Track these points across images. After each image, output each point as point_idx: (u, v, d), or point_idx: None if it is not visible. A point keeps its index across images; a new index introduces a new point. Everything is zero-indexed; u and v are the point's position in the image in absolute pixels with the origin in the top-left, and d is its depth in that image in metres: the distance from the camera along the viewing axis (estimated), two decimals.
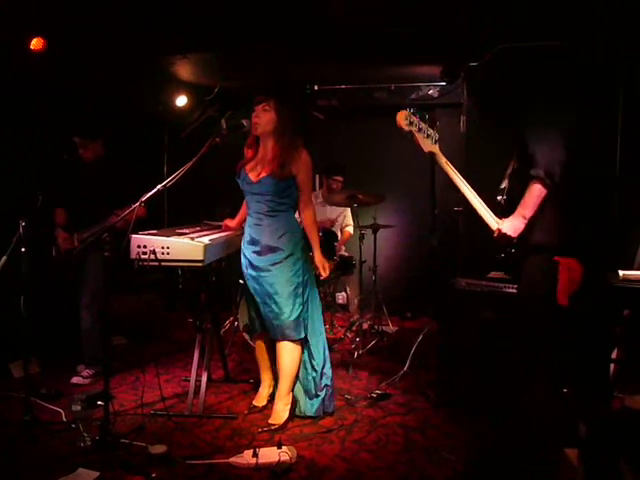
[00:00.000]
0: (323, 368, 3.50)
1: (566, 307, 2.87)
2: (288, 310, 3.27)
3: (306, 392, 3.50)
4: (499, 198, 2.83)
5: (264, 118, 3.25)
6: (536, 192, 2.65)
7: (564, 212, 2.74)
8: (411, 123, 2.80)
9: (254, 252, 3.34)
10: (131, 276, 3.49)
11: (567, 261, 2.74)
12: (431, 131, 2.85)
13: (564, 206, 2.73)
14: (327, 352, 3.54)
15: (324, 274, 3.42)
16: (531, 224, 2.70)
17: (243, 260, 3.42)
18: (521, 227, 2.68)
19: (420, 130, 2.81)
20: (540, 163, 2.61)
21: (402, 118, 2.77)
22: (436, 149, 2.85)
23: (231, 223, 3.74)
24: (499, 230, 2.69)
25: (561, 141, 2.67)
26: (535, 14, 3.82)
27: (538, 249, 2.72)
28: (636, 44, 4.05)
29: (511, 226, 2.68)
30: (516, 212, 2.71)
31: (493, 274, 3.54)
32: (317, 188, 5.75)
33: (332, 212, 5.77)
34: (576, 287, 2.89)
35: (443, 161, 2.83)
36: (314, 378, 3.48)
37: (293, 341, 3.33)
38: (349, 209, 5.78)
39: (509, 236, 2.68)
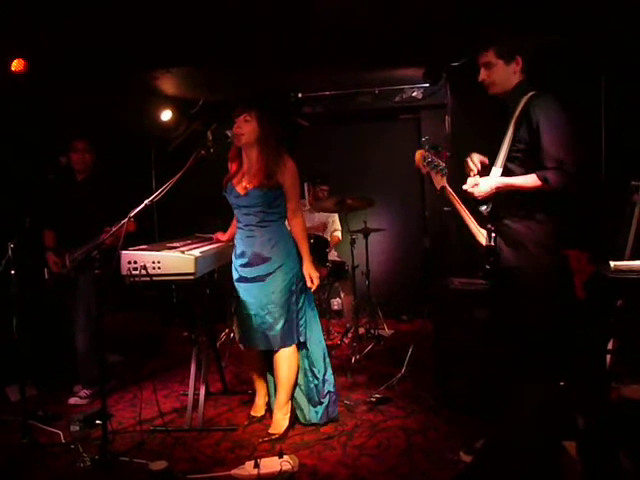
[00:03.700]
0: (325, 375, 3.49)
1: (583, 299, 2.87)
2: (282, 320, 3.27)
3: (309, 400, 3.49)
4: (483, 209, 2.75)
5: (246, 129, 3.24)
6: (531, 184, 2.58)
7: (564, 208, 2.71)
8: (428, 163, 2.78)
9: (245, 264, 3.33)
10: (125, 293, 3.47)
11: (574, 253, 2.73)
12: (441, 164, 2.79)
13: (564, 203, 2.71)
14: (327, 359, 3.53)
15: (311, 286, 3.35)
16: (532, 222, 2.67)
17: (234, 273, 3.41)
18: (488, 191, 2.65)
19: (434, 167, 2.79)
20: (559, 173, 2.53)
21: (420, 160, 2.76)
22: (445, 182, 2.81)
23: (223, 237, 3.73)
24: (475, 185, 2.67)
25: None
26: (516, 12, 3.85)
27: (545, 248, 2.67)
28: (617, 43, 4.09)
29: (483, 187, 2.66)
30: (499, 179, 2.67)
31: None
32: (306, 196, 5.76)
33: (320, 219, 5.79)
34: (586, 277, 2.89)
35: (451, 195, 2.78)
36: (316, 386, 3.47)
37: (288, 349, 3.32)
38: (336, 214, 5.81)
39: (471, 193, 2.68)
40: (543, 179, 2.55)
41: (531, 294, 2.67)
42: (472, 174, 2.78)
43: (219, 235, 3.76)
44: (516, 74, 2.73)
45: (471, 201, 2.77)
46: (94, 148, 4.17)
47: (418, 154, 2.78)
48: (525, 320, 2.69)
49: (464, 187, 2.70)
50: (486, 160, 2.83)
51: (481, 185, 2.68)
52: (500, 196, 2.72)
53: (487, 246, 2.69)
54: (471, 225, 2.75)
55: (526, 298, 2.68)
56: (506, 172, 2.70)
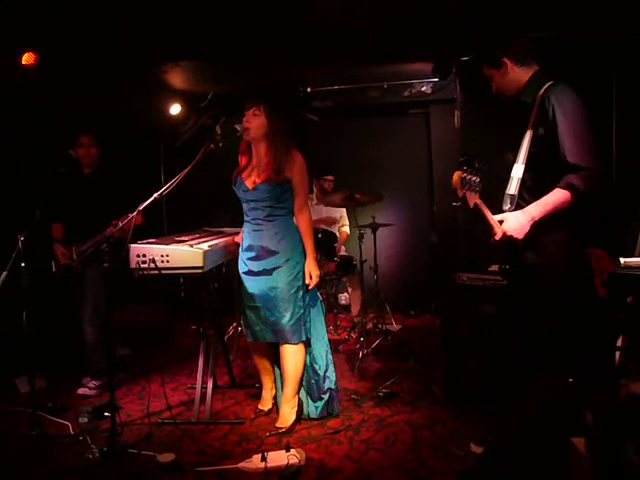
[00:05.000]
0: (326, 372, 3.50)
1: (605, 297, 2.81)
2: (288, 314, 3.27)
3: (309, 395, 3.50)
4: (506, 208, 2.65)
5: (255, 123, 3.24)
6: (563, 200, 2.46)
7: (585, 207, 2.62)
8: (465, 184, 2.65)
9: (252, 258, 3.33)
10: (133, 286, 3.48)
11: (594, 251, 2.67)
12: (476, 179, 2.67)
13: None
14: (330, 356, 3.54)
15: (310, 283, 3.32)
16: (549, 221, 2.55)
17: (241, 266, 3.42)
18: (527, 228, 2.51)
19: (470, 187, 2.66)
20: (584, 175, 2.41)
21: (458, 182, 2.63)
22: (477, 197, 2.67)
23: (240, 239, 3.58)
24: (504, 232, 2.54)
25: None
26: (527, 7, 3.82)
27: (564, 246, 2.57)
28: (629, 39, 4.05)
29: (517, 227, 2.52)
30: (525, 210, 2.54)
31: (494, 267, 3.53)
32: (314, 191, 5.77)
33: (327, 213, 5.79)
34: (607, 276, 2.84)
35: (484, 209, 2.66)
36: (317, 382, 3.48)
37: (295, 344, 3.32)
38: (344, 209, 5.81)
39: (515, 238, 2.53)
40: (567, 186, 2.44)
41: (549, 292, 2.61)
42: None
43: (237, 239, 3.63)
44: (516, 74, 2.68)
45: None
46: (100, 142, 4.18)
47: (456, 176, 2.66)
48: (542, 318, 2.65)
49: (495, 237, 2.59)
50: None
51: (510, 221, 2.55)
52: (522, 194, 2.68)
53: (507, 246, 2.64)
54: (497, 231, 2.70)
55: (544, 296, 2.63)
56: (528, 168, 2.64)
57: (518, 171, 2.65)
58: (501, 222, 2.61)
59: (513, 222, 2.54)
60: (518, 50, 2.69)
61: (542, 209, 2.51)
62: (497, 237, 2.58)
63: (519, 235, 2.53)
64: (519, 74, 2.69)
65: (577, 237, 2.59)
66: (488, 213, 2.65)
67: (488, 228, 2.67)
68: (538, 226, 2.54)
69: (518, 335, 2.76)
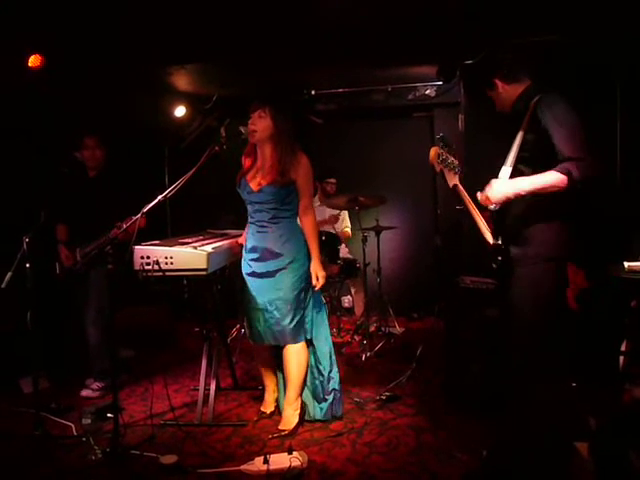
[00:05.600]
0: (330, 372, 3.50)
1: (576, 310, 2.80)
2: (290, 316, 3.27)
3: (314, 397, 3.50)
4: (492, 207, 2.64)
5: (260, 125, 3.24)
6: (556, 181, 2.41)
7: (572, 215, 2.61)
8: (442, 161, 2.72)
9: (256, 259, 3.34)
10: (137, 288, 3.49)
11: (572, 266, 2.67)
12: (455, 161, 2.74)
13: (572, 209, 2.63)
14: (334, 356, 3.54)
15: (317, 285, 3.32)
16: (535, 227, 2.56)
17: (245, 267, 3.42)
18: (506, 199, 2.49)
19: (447, 165, 2.73)
20: (579, 164, 2.38)
21: (435, 157, 2.69)
22: (457, 180, 2.75)
23: (243, 241, 3.59)
24: (485, 196, 2.54)
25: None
26: (531, 10, 3.82)
27: (547, 250, 2.56)
28: (632, 42, 4.05)
29: (497, 193, 2.50)
30: (515, 180, 2.51)
31: None
32: (318, 193, 5.78)
33: (330, 213, 5.81)
34: (577, 291, 2.84)
35: (463, 194, 2.70)
36: (321, 382, 3.48)
37: (297, 345, 3.33)
38: (346, 211, 5.83)
39: (488, 200, 2.53)
40: (564, 170, 2.41)
41: (527, 295, 2.62)
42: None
43: (240, 240, 3.65)
44: (507, 92, 2.72)
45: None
46: (105, 144, 4.19)
47: (433, 151, 2.75)
48: (528, 318, 2.65)
49: (479, 197, 2.62)
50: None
51: (494, 187, 2.55)
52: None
53: (494, 245, 2.66)
54: (480, 224, 2.72)
55: (522, 299, 2.64)
56: (515, 172, 2.66)
57: (506, 173, 2.65)
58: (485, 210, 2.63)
59: (496, 187, 2.53)
60: (506, 69, 2.72)
61: (533, 182, 2.47)
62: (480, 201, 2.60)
63: (494, 199, 2.52)
64: (510, 91, 2.72)
65: (564, 242, 2.59)
66: (467, 199, 2.68)
67: (467, 214, 2.69)
68: (525, 223, 2.55)
69: (509, 336, 2.76)
